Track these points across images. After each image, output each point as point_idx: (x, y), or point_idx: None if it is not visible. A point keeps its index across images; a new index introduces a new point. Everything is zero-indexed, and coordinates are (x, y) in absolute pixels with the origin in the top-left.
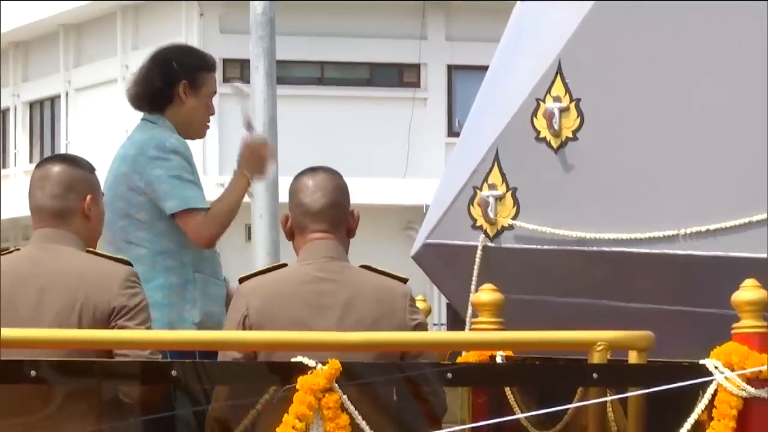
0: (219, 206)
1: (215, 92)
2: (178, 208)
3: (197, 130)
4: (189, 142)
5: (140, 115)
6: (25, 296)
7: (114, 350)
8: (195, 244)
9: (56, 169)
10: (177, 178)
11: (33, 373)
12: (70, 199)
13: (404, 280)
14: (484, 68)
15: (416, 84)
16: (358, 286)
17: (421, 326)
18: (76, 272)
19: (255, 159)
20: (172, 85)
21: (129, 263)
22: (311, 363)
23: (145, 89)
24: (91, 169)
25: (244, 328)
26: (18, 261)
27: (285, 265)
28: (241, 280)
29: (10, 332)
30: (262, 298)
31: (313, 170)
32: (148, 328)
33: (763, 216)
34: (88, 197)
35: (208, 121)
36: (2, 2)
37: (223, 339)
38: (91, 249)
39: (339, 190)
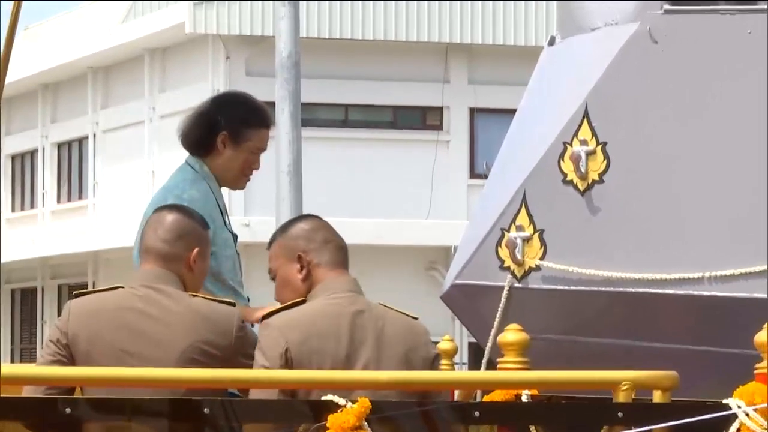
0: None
1: (263, 148)
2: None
3: (232, 182)
4: None
5: (167, 158)
6: (142, 333)
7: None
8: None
9: (171, 216)
10: None
11: (68, 410)
12: (178, 247)
13: (416, 319)
14: (506, 111)
15: (439, 127)
16: (386, 321)
17: (439, 358)
18: (192, 312)
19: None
20: (213, 134)
21: (233, 304)
22: (341, 401)
23: (190, 133)
24: (204, 225)
25: (285, 362)
26: (128, 298)
27: (304, 301)
28: (267, 316)
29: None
30: (300, 333)
31: (312, 216)
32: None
33: None
34: (196, 250)
35: (247, 175)
36: (26, 39)
37: (263, 378)
38: (193, 293)
39: None
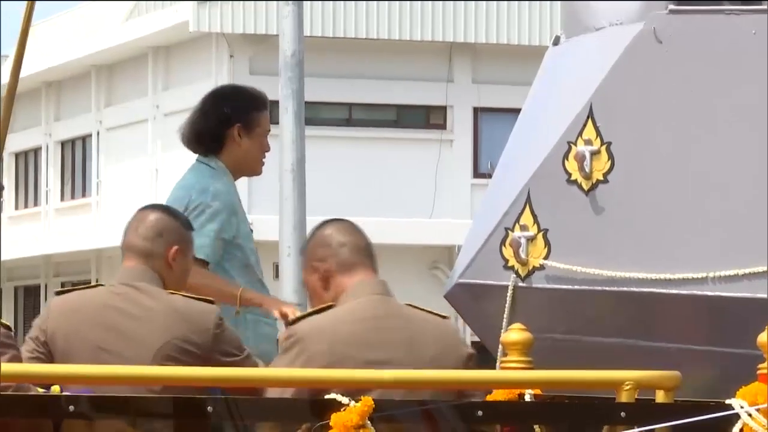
0: (208, 280)
1: (269, 130)
2: (202, 255)
3: (253, 168)
4: None
5: (171, 157)
6: (120, 330)
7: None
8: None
9: (154, 215)
10: (200, 227)
11: (71, 408)
12: (158, 244)
13: (445, 318)
14: (510, 110)
15: (442, 126)
16: (416, 322)
17: (474, 357)
18: (170, 310)
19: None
20: (225, 128)
21: (213, 302)
22: (344, 400)
23: (200, 133)
24: (187, 226)
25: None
26: (107, 296)
27: (333, 306)
28: (293, 322)
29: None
30: (324, 340)
31: (334, 220)
32: (247, 356)
33: None
34: (175, 248)
35: (263, 158)
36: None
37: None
38: (172, 291)
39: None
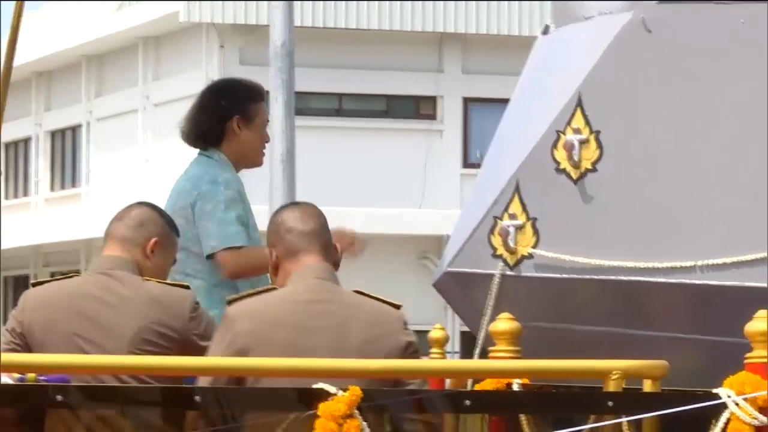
0: (254, 252)
1: (268, 120)
2: (217, 248)
3: (254, 159)
4: None
5: (160, 147)
6: (96, 319)
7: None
8: (223, 275)
9: (140, 209)
10: (223, 216)
11: (59, 397)
12: (137, 233)
13: (398, 306)
14: (500, 101)
15: (432, 116)
16: (351, 308)
17: (413, 346)
18: (145, 296)
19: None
20: (225, 121)
21: (188, 287)
22: (332, 389)
23: (199, 127)
24: (172, 227)
25: (232, 353)
26: (83, 285)
27: (275, 288)
28: (229, 303)
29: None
30: (250, 321)
31: (295, 203)
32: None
33: None
34: (154, 239)
35: (264, 148)
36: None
37: (232, 365)
38: (148, 278)
39: (324, 218)
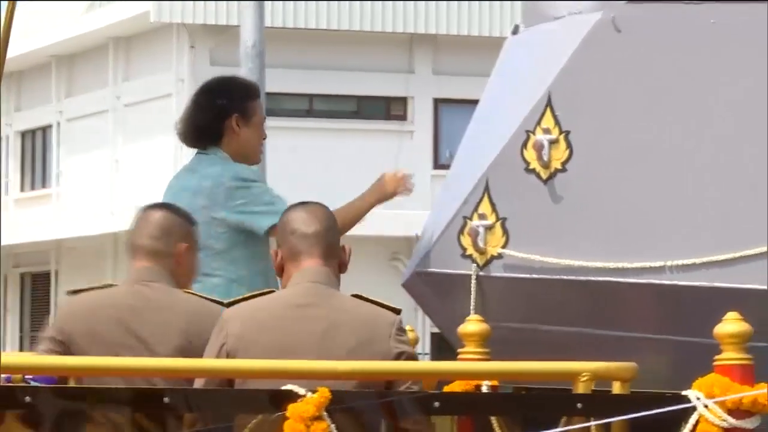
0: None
1: (265, 117)
2: (275, 221)
3: (252, 157)
4: None
5: (131, 148)
6: (137, 332)
7: None
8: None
9: (158, 213)
10: (265, 199)
11: (27, 399)
12: (166, 243)
13: (396, 311)
14: (471, 102)
15: (403, 117)
16: (342, 313)
17: (407, 356)
18: (184, 309)
19: (394, 182)
20: (223, 120)
21: (223, 303)
22: (301, 391)
23: (198, 127)
24: (191, 221)
25: (222, 355)
26: (123, 295)
27: (272, 291)
28: (229, 305)
29: (9, 358)
30: (241, 324)
31: (304, 203)
32: None
33: (750, 250)
34: (184, 245)
35: (261, 146)
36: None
37: (207, 367)
38: (187, 290)
39: (332, 220)
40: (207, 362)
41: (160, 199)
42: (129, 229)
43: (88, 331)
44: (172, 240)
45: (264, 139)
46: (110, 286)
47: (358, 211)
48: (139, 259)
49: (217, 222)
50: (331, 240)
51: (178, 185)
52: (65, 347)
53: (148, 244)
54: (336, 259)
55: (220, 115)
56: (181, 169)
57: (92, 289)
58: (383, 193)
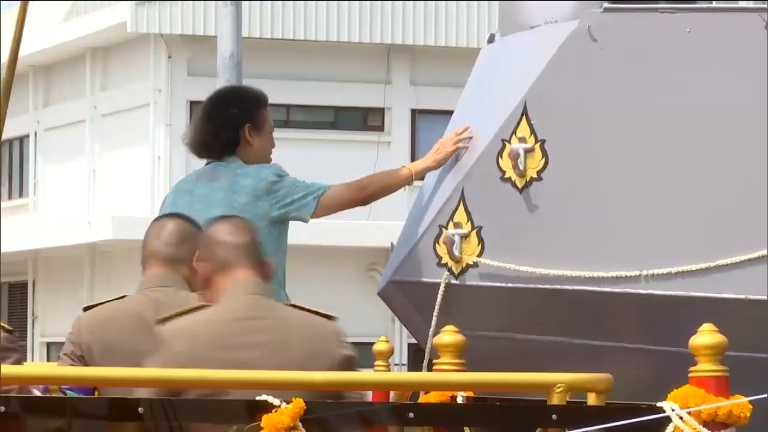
0: (375, 181)
1: (273, 126)
2: (324, 187)
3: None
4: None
5: (108, 158)
6: (153, 337)
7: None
8: (353, 200)
9: (173, 222)
10: (303, 185)
11: (2, 408)
12: (182, 250)
13: (332, 318)
14: (448, 112)
15: (380, 128)
16: (288, 323)
17: (349, 360)
18: None
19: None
20: (237, 130)
21: None
22: (276, 401)
23: (212, 138)
24: (203, 230)
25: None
26: (138, 304)
27: (204, 306)
28: (161, 321)
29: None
30: (183, 342)
31: (225, 217)
32: None
33: (725, 260)
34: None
35: (271, 154)
36: None
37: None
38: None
39: (256, 233)
40: (200, 373)
41: (151, 207)
42: (142, 239)
43: (107, 342)
44: (187, 247)
45: (273, 147)
46: (123, 297)
47: (397, 181)
48: (152, 266)
49: (259, 215)
50: (260, 252)
51: (200, 192)
52: (84, 361)
53: (164, 251)
54: (265, 272)
55: (233, 125)
56: (194, 178)
57: (106, 302)
58: (445, 153)
